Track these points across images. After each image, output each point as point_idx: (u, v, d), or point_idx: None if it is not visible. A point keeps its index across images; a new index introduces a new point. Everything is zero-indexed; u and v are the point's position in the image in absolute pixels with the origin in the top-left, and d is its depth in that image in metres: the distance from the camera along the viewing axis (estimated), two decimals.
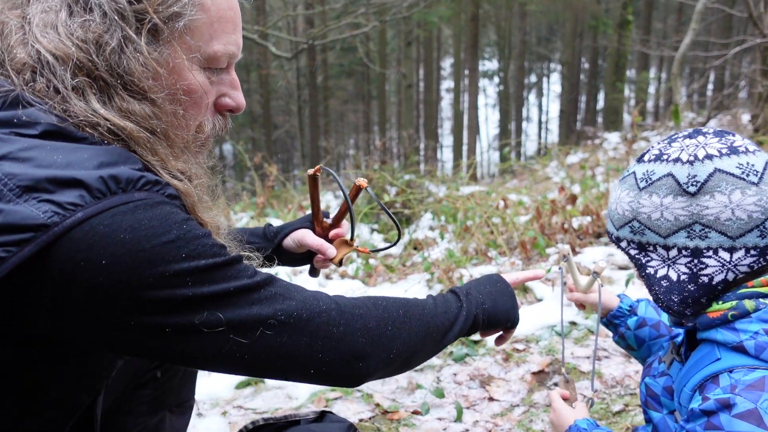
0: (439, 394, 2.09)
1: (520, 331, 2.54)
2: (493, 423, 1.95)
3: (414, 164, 5.34)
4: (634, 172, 1.01)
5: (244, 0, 0.97)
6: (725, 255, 0.92)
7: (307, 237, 1.34)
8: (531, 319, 2.61)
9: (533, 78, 32.12)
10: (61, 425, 0.91)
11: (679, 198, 0.93)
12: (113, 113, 0.81)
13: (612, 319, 1.30)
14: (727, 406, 0.87)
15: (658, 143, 1.03)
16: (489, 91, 32.47)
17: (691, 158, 0.93)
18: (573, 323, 2.56)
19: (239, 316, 0.77)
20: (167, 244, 0.71)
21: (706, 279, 0.93)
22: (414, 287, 3.16)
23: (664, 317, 1.28)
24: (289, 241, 1.37)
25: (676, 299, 0.95)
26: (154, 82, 0.83)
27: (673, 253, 0.96)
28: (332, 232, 1.37)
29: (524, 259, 3.32)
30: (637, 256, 1.00)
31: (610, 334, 2.44)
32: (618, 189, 1.04)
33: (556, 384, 2.15)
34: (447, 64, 31.16)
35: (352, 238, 1.34)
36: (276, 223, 5.14)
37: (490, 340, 2.50)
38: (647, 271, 0.98)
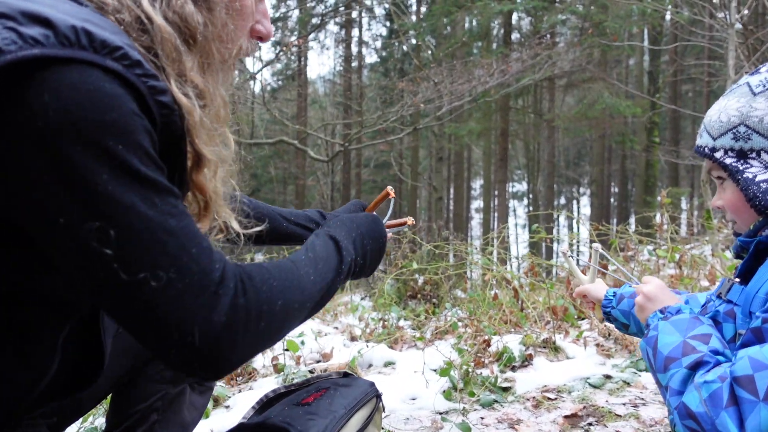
0: (465, 428, 1.98)
1: (551, 382, 2.43)
2: None
3: (443, 249, 5.38)
4: (747, 82, 1.02)
5: None
6: None
7: None
8: (562, 373, 2.50)
9: (563, 200, 32.58)
10: (53, 327, 0.85)
11: None
12: (156, 11, 0.78)
13: (604, 309, 1.37)
14: None
15: None
16: (519, 212, 32.91)
17: None
18: (608, 376, 2.44)
19: (137, 245, 0.67)
20: (100, 121, 0.65)
21: None
22: (441, 354, 3.08)
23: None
24: None
25: None
26: None
27: None
28: None
29: (556, 328, 3.23)
30: (733, 164, 0.99)
31: (646, 386, 2.32)
32: (723, 99, 1.05)
33: (590, 424, 2.02)
34: (477, 185, 32.03)
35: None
36: None
37: (521, 388, 2.39)
38: (744, 176, 0.97)
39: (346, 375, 1.24)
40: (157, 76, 0.72)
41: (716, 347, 0.91)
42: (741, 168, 0.98)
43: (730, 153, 0.99)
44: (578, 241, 5.79)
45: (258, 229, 1.28)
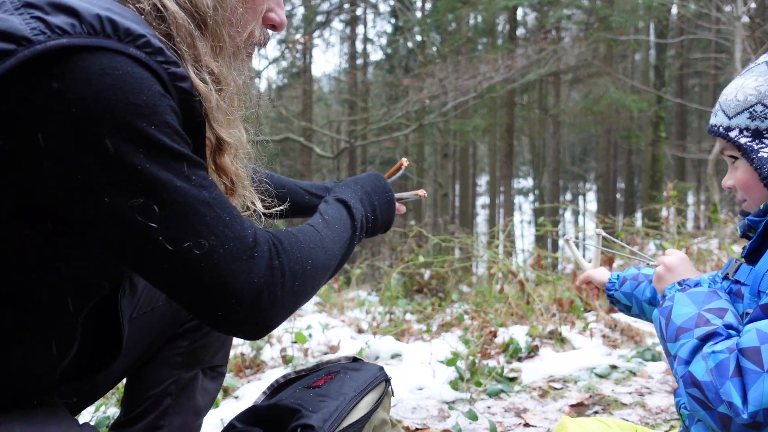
0: (473, 416, 2.00)
1: (557, 372, 2.45)
2: None
3: (449, 246, 5.40)
4: (766, 61, 1.00)
5: None
6: None
7: None
8: (569, 363, 2.52)
9: (569, 196, 32.51)
10: (73, 310, 0.87)
11: None
12: None
13: (608, 292, 1.38)
14: None
15: None
16: (524, 208, 32.86)
17: None
18: (614, 366, 2.46)
19: (180, 217, 0.72)
20: (131, 104, 0.68)
21: None
22: (447, 344, 3.10)
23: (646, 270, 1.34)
24: None
25: None
26: None
27: None
28: None
29: (562, 320, 3.25)
30: (748, 144, 0.98)
31: (652, 376, 2.33)
32: (741, 78, 1.03)
33: (596, 412, 2.03)
34: (482, 181, 32.00)
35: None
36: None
37: (527, 378, 2.42)
38: (759, 155, 0.97)
39: (355, 360, 1.27)
40: (178, 63, 0.75)
41: (730, 322, 0.91)
42: (756, 147, 0.97)
43: (745, 132, 0.98)
44: (584, 235, 5.79)
45: (279, 209, 1.32)
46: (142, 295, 1.28)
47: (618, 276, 1.36)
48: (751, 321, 0.88)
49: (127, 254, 0.74)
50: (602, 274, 1.38)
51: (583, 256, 1.47)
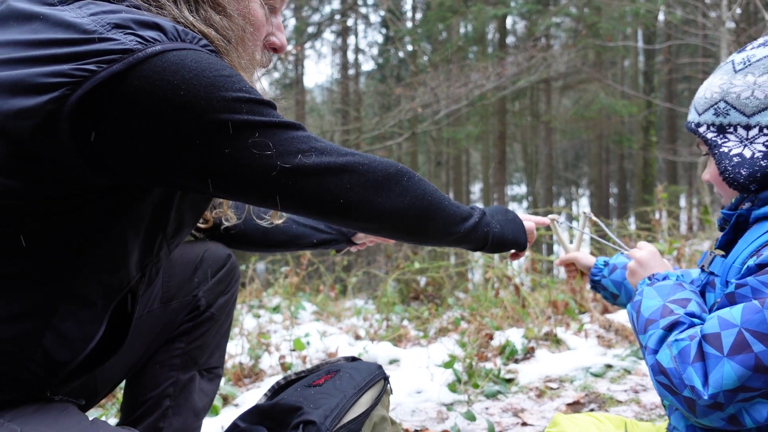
0: (471, 417, 2.02)
1: (553, 372, 2.48)
2: None
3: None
4: (732, 60, 1.05)
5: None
6: None
7: None
8: (564, 363, 2.55)
9: (562, 202, 32.65)
10: (104, 295, 0.94)
11: None
12: (199, 21, 0.95)
13: (593, 277, 1.39)
14: None
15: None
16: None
17: None
18: (609, 366, 2.49)
19: (283, 142, 0.90)
20: (224, 76, 0.85)
21: None
22: (444, 347, 3.12)
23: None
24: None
25: (744, 173, 0.98)
26: (232, 1, 0.99)
27: (753, 132, 0.99)
28: None
29: (557, 322, 3.28)
30: (713, 139, 1.02)
31: (647, 373, 2.37)
32: (711, 76, 1.08)
33: (592, 410, 2.06)
34: (476, 188, 32.11)
35: None
36: (307, 306, 5.18)
37: (524, 379, 2.44)
38: (721, 150, 1.01)
39: (354, 359, 1.30)
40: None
41: (693, 310, 0.95)
42: (719, 142, 1.01)
43: (711, 128, 1.03)
44: (581, 235, 5.85)
45: (233, 222, 1.41)
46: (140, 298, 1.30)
47: (606, 263, 1.37)
48: (717, 309, 0.92)
49: (257, 189, 0.91)
50: (588, 258, 1.39)
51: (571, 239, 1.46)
